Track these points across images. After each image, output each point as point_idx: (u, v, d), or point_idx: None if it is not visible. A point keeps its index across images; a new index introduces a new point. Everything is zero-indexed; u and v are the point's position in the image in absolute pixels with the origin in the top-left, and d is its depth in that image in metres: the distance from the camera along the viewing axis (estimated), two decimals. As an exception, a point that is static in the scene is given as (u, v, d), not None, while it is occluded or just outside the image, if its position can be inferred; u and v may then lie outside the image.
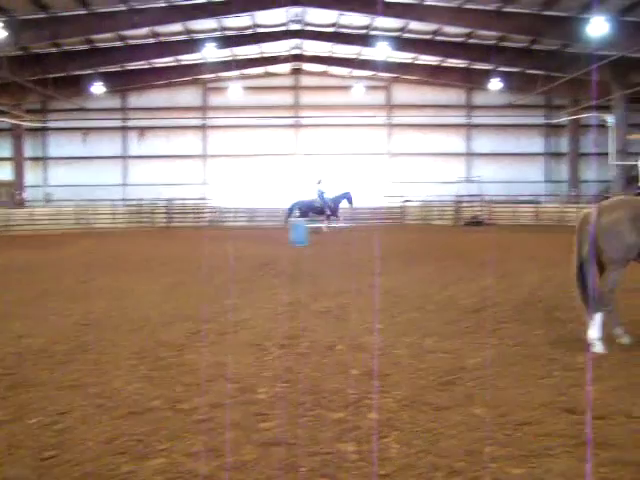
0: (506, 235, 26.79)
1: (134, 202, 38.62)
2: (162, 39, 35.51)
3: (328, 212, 31.20)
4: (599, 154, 41.46)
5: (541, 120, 45.66)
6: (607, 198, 28.99)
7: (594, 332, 6.98)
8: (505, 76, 39.91)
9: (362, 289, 11.46)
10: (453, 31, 34.73)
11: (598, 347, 6.88)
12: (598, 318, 7.04)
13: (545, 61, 36.82)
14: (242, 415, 4.99)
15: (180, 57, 39.26)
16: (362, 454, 4.23)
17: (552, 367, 6.27)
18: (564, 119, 42.12)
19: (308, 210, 31.41)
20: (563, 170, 44.14)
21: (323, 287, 11.74)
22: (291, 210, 31.68)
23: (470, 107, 45.78)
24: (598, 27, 26.58)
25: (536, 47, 36.23)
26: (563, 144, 44.47)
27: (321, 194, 31.51)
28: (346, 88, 44.27)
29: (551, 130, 45.61)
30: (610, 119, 37.28)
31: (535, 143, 45.88)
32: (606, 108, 38.06)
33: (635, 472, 3.94)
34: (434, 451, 4.26)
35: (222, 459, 4.19)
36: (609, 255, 7.34)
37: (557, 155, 45.48)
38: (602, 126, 39.26)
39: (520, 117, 45.04)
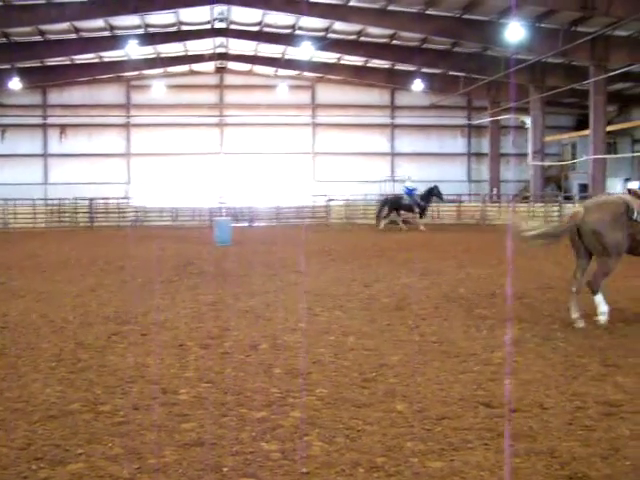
0: (428, 234, 27.21)
1: (55, 202, 37.62)
2: (83, 35, 34.74)
3: (417, 210, 30.97)
4: (518, 154, 42.60)
5: (463, 121, 46.59)
6: (527, 197, 29.70)
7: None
8: (428, 77, 40.60)
9: (285, 288, 11.50)
10: (377, 32, 35.10)
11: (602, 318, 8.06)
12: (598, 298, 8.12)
13: (466, 63, 37.58)
14: (163, 416, 4.94)
15: (102, 53, 38.52)
16: (284, 452, 4.24)
17: (471, 362, 6.42)
18: (485, 120, 43.09)
19: (397, 207, 31.25)
20: (484, 170, 45.14)
21: (247, 286, 11.72)
22: (382, 207, 31.68)
23: (394, 107, 46.37)
24: (515, 32, 27.30)
25: (457, 49, 36.96)
26: (484, 144, 45.48)
27: (409, 191, 31.27)
28: (271, 87, 44.23)
29: (472, 131, 46.59)
30: (528, 121, 38.31)
31: (457, 143, 46.78)
32: (524, 110, 39.12)
33: (547, 461, 4.07)
34: (355, 448, 4.31)
35: (143, 461, 4.15)
36: (595, 251, 8.25)
37: (478, 155, 46.48)
38: (521, 127, 40.35)
39: (443, 118, 45.85)
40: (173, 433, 4.60)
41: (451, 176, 45.26)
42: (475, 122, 45.23)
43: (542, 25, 30.47)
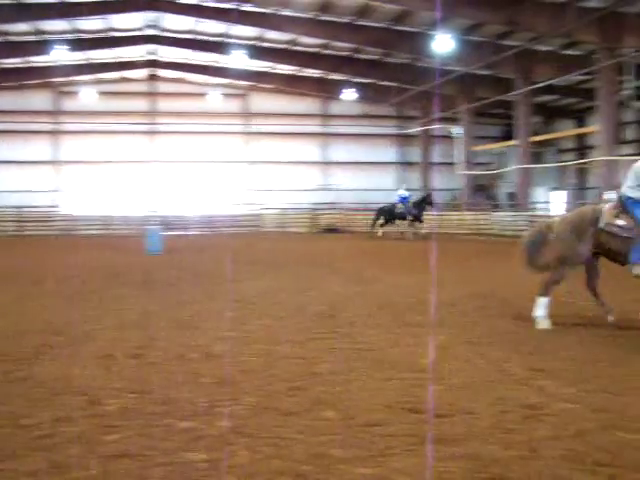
0: (361, 242, 27.43)
1: (-22, 210, 36.63)
2: (10, 38, 33.96)
3: (410, 218, 30.80)
4: (448, 164, 43.36)
5: (394, 130, 47.23)
6: (456, 206, 30.11)
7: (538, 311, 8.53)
8: (359, 87, 41.05)
9: (216, 297, 11.43)
10: (309, 41, 35.37)
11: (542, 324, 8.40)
12: (540, 301, 8.52)
13: (397, 73, 38.16)
14: (88, 428, 4.85)
15: (30, 58, 37.74)
16: (211, 462, 4.22)
17: (399, 369, 6.48)
18: (415, 130, 43.73)
19: (391, 216, 31.02)
20: (415, 179, 45.79)
21: (176, 295, 11.61)
22: (377, 216, 31.49)
23: (326, 116, 46.72)
24: (444, 44, 27.82)
25: (388, 60, 37.51)
26: (415, 153, 46.18)
27: (402, 199, 31.12)
28: (203, 95, 44.11)
29: (404, 140, 47.26)
30: (457, 131, 39.02)
31: (389, 152, 47.40)
32: (454, 120, 39.86)
33: (469, 464, 4.15)
34: (281, 456, 4.31)
35: (65, 475, 4.06)
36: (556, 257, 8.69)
37: (409, 164, 47.18)
38: (450, 137, 41.08)
39: (374, 127, 46.41)
40: (98, 445, 4.52)
41: (383, 185, 45.81)
42: (406, 131, 45.85)
43: (470, 38, 31.16)
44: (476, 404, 5.37)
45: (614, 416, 5.04)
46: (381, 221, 31.33)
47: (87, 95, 42.21)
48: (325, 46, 36.40)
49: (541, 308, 8.47)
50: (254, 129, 45.51)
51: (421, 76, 36.61)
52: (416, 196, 32.37)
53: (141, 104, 44.23)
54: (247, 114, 45.72)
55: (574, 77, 33.83)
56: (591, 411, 5.16)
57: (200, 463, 4.21)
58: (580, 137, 46.30)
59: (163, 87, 44.71)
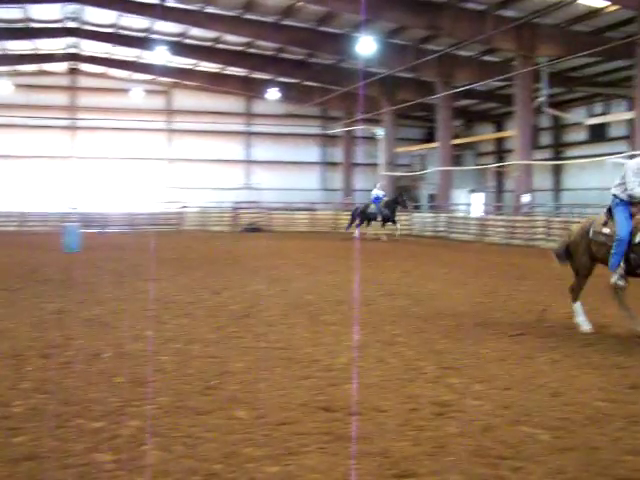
0: (282, 241, 27.49)
1: None
2: None
3: (380, 219, 29.49)
4: (370, 164, 43.79)
5: (318, 130, 47.45)
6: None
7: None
8: (283, 86, 41.04)
9: (133, 296, 11.29)
10: (233, 40, 35.19)
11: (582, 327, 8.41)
12: (574, 307, 8.58)
13: (321, 74, 38.34)
14: (-6, 430, 4.75)
15: (-58, 47, 36.37)
16: (119, 463, 4.18)
17: (314, 368, 6.54)
18: (339, 130, 44.02)
19: (364, 217, 29.72)
20: (337, 179, 46.12)
21: (93, 294, 11.43)
22: (353, 217, 30.23)
23: (250, 115, 46.59)
24: (367, 46, 28.04)
25: (313, 60, 37.64)
26: (338, 154, 46.49)
27: (375, 199, 29.80)
28: (125, 91, 43.31)
29: (327, 140, 47.49)
30: (380, 132, 39.45)
31: (312, 152, 47.55)
32: (377, 122, 40.28)
33: (379, 461, 4.23)
34: (193, 455, 4.30)
35: (-33, 480, 3.97)
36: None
37: (332, 164, 47.44)
38: (373, 138, 41.51)
39: (298, 127, 46.50)
40: (3, 448, 4.42)
41: (305, 184, 46.00)
42: (329, 132, 46.13)
43: (393, 41, 31.58)
44: (388, 402, 5.47)
45: (519, 412, 5.22)
46: (357, 221, 30.13)
47: (4, 87, 40.85)
48: (249, 45, 36.30)
49: (577, 314, 8.52)
50: (177, 126, 45.03)
51: (345, 77, 36.86)
52: (389, 196, 31.08)
53: (61, 98, 43.16)
54: (170, 111, 45.18)
55: (493, 83, 34.62)
56: (497, 407, 5.33)
57: (109, 464, 4.17)
58: (498, 141, 47.43)
59: (84, 81, 43.73)
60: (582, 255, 8.45)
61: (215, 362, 6.72)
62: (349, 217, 31.28)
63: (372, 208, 29.57)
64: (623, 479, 4.02)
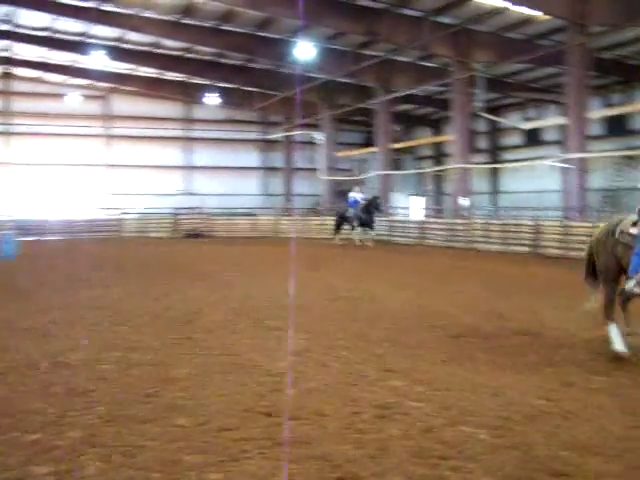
0: (223, 247, 27.35)
1: None
2: None
3: (355, 223, 27.91)
4: (310, 169, 43.89)
5: (258, 135, 47.40)
6: (317, 211, 30.46)
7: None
8: (223, 91, 40.83)
9: (72, 304, 11.08)
10: (172, 44, 34.86)
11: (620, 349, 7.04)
12: (609, 330, 7.23)
13: (260, 79, 38.28)
14: None
15: None
16: (57, 475, 4.09)
17: (256, 374, 6.52)
18: (279, 135, 44.03)
19: (343, 220, 28.53)
20: (278, 184, 46.15)
21: (30, 303, 11.17)
22: (337, 221, 28.90)
23: (189, 120, 46.26)
24: (306, 51, 28.10)
25: (252, 65, 37.56)
26: (278, 159, 46.49)
27: (352, 203, 28.24)
28: (62, 96, 42.40)
29: (267, 145, 47.47)
30: (319, 137, 39.58)
31: (252, 157, 47.47)
32: (316, 126, 40.41)
33: (321, 465, 4.24)
34: (132, 465, 4.24)
35: None
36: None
37: (273, 169, 47.43)
38: (313, 143, 41.61)
39: (238, 132, 46.39)
40: None
41: (246, 190, 45.91)
42: (270, 137, 46.11)
43: (332, 46, 31.72)
44: (330, 406, 5.49)
45: (459, 412, 5.30)
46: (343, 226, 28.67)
47: None
48: (188, 50, 36.02)
49: (614, 339, 7.16)
50: (115, 132, 44.37)
51: (284, 82, 36.87)
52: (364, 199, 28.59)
53: (-6, 103, 42.24)
54: (108, 116, 44.49)
55: (431, 88, 35.12)
56: (438, 409, 5.40)
57: (47, 476, 4.09)
58: (437, 145, 48.03)
59: (19, 86, 42.69)
60: (605, 256, 7.44)
61: (156, 370, 6.65)
62: (334, 223, 29.62)
63: (350, 212, 28.12)
64: (558, 473, 4.12)
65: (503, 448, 4.52)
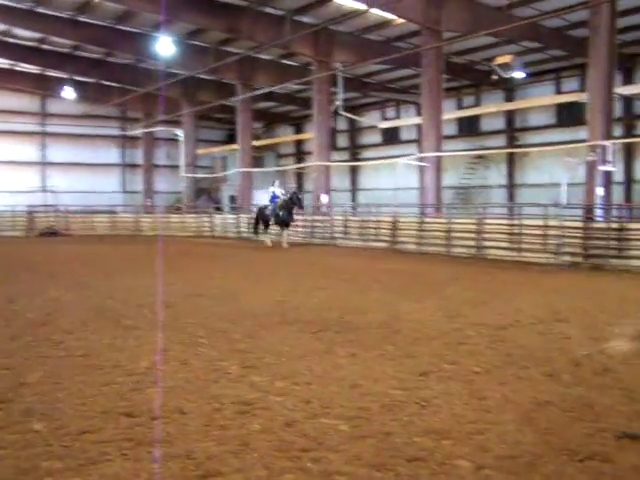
0: (81, 245, 26.57)
1: None
2: None
3: (271, 222, 25.72)
4: (172, 166, 43.34)
5: (117, 131, 46.33)
6: (179, 208, 30.20)
7: None
8: (81, 85, 39.62)
9: None
10: (25, 34, 33.42)
11: None
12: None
13: (120, 74, 37.45)
14: None
15: None
16: None
17: (115, 374, 6.41)
18: (139, 131, 43.19)
19: (263, 218, 26.07)
20: (138, 181, 45.22)
21: None
22: (257, 220, 26.66)
23: (45, 115, 44.57)
24: (167, 46, 27.74)
25: (111, 59, 36.63)
26: (138, 156, 45.59)
27: (272, 199, 25.64)
28: None
29: (127, 142, 46.50)
30: (180, 134, 39.17)
31: (112, 154, 46.39)
32: (177, 123, 39.96)
33: (183, 463, 4.24)
34: (-17, 475, 4.11)
35: None
36: None
37: (133, 166, 46.48)
38: (175, 140, 41.13)
39: (97, 127, 45.20)
40: None
41: (105, 187, 44.79)
42: (129, 133, 45.14)
43: (193, 42, 31.46)
44: (191, 404, 5.49)
45: (319, 405, 5.43)
46: (261, 224, 26.44)
47: None
48: (43, 41, 34.67)
49: None
50: (-37, 126, 42.20)
51: (144, 78, 36.20)
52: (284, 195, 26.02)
53: None
54: (-45, 109, 42.28)
55: (292, 86, 35.45)
56: (299, 402, 5.52)
57: None
58: (298, 143, 48.64)
59: None
60: None
61: (9, 374, 6.40)
62: (253, 220, 27.78)
63: (269, 209, 25.78)
64: (413, 458, 4.32)
65: (362, 437, 4.69)
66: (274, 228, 26.36)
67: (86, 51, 35.79)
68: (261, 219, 26.34)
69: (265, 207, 26.22)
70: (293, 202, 24.84)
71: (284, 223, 25.21)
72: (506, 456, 4.36)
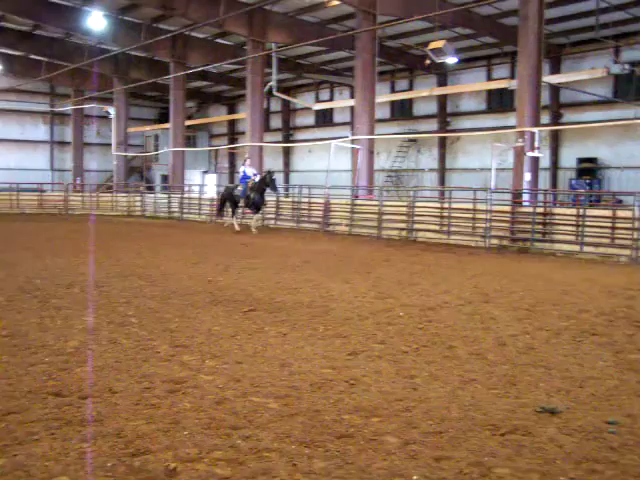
0: (5, 224, 25.94)
1: None
2: None
3: (241, 204, 23.68)
4: (102, 144, 42.56)
5: (46, 107, 45.18)
6: (110, 187, 29.66)
7: None
8: (7, 59, 38.42)
9: None
10: (-54, 4, 32.17)
11: None
12: None
13: (48, 48, 36.45)
14: None
15: None
16: None
17: (43, 354, 6.33)
18: (69, 108, 42.21)
19: (232, 200, 23.88)
20: (68, 159, 44.27)
21: None
22: (222, 201, 24.74)
23: (-32, 89, 43.15)
24: (98, 21, 27.18)
25: (39, 32, 35.63)
26: (68, 133, 44.58)
27: (242, 179, 23.61)
28: None
29: (56, 118, 45.42)
30: (112, 111, 38.48)
31: (40, 130, 45.27)
32: (109, 100, 39.23)
33: (113, 442, 4.23)
34: None
35: None
36: None
37: (62, 144, 45.43)
38: (106, 117, 40.37)
39: (24, 103, 43.96)
40: None
41: (33, 164, 43.71)
42: (58, 109, 44.10)
43: (126, 18, 30.85)
44: (121, 383, 5.48)
45: (249, 384, 5.49)
46: (227, 206, 24.59)
47: None
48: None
49: None
50: None
51: (75, 53, 35.34)
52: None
53: None
54: None
55: (226, 65, 35.15)
56: (229, 381, 5.56)
57: None
58: (231, 123, 48.30)
59: None
60: None
61: None
62: (217, 202, 26.05)
63: (238, 190, 23.70)
64: (342, 435, 4.41)
65: (291, 415, 4.76)
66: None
67: (12, 22, 34.69)
68: (229, 200, 24.29)
69: (234, 187, 24.42)
70: (266, 183, 22.51)
71: (255, 206, 23.05)
72: (432, 432, 4.50)
